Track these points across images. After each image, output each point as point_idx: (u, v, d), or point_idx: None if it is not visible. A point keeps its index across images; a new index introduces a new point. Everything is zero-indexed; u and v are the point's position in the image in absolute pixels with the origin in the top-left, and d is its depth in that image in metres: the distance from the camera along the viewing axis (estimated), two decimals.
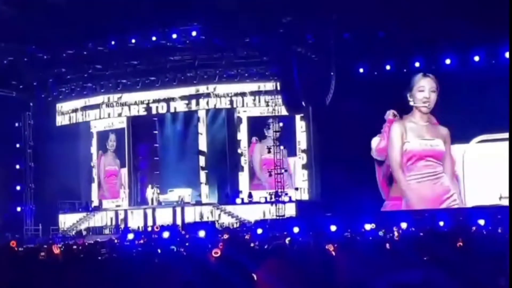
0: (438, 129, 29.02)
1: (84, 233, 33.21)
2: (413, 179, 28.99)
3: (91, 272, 7.29)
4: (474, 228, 17.47)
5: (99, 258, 9.71)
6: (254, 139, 34.44)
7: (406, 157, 29.14)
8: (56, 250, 7.52)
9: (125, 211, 34.88)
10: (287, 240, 12.92)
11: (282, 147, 31.49)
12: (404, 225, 21.11)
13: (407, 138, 29.19)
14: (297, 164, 33.66)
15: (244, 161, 34.47)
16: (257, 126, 33.98)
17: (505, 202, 26.31)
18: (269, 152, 31.95)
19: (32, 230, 33.90)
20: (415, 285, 2.88)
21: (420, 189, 29.00)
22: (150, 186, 35.27)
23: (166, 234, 18.09)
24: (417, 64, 29.53)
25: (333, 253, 9.66)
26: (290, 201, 30.93)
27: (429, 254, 7.55)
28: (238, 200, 33.48)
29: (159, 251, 11.65)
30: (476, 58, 28.45)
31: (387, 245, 10.36)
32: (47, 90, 35.12)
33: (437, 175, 28.87)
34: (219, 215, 32.91)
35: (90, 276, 6.81)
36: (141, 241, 18.45)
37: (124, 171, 36.46)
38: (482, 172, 28.36)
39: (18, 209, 34.24)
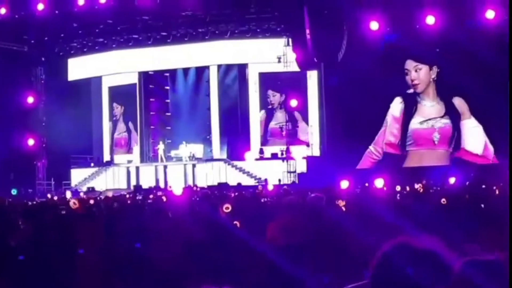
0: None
1: (96, 188, 33.47)
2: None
3: (105, 225, 7.38)
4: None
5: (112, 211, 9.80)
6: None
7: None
8: (73, 205, 7.59)
9: (137, 167, 35.11)
10: None
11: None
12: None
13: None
14: (310, 121, 33.62)
15: (255, 118, 34.46)
16: (269, 82, 33.87)
17: None
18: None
19: (45, 185, 34.14)
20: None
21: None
22: (161, 141, 35.36)
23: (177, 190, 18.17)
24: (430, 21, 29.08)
25: (343, 208, 9.71)
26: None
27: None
28: None
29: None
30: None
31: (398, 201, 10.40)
32: (59, 45, 35.07)
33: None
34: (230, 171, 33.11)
35: (104, 229, 6.89)
36: (153, 196, 18.60)
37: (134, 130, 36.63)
38: None
39: (31, 163, 34.43)
